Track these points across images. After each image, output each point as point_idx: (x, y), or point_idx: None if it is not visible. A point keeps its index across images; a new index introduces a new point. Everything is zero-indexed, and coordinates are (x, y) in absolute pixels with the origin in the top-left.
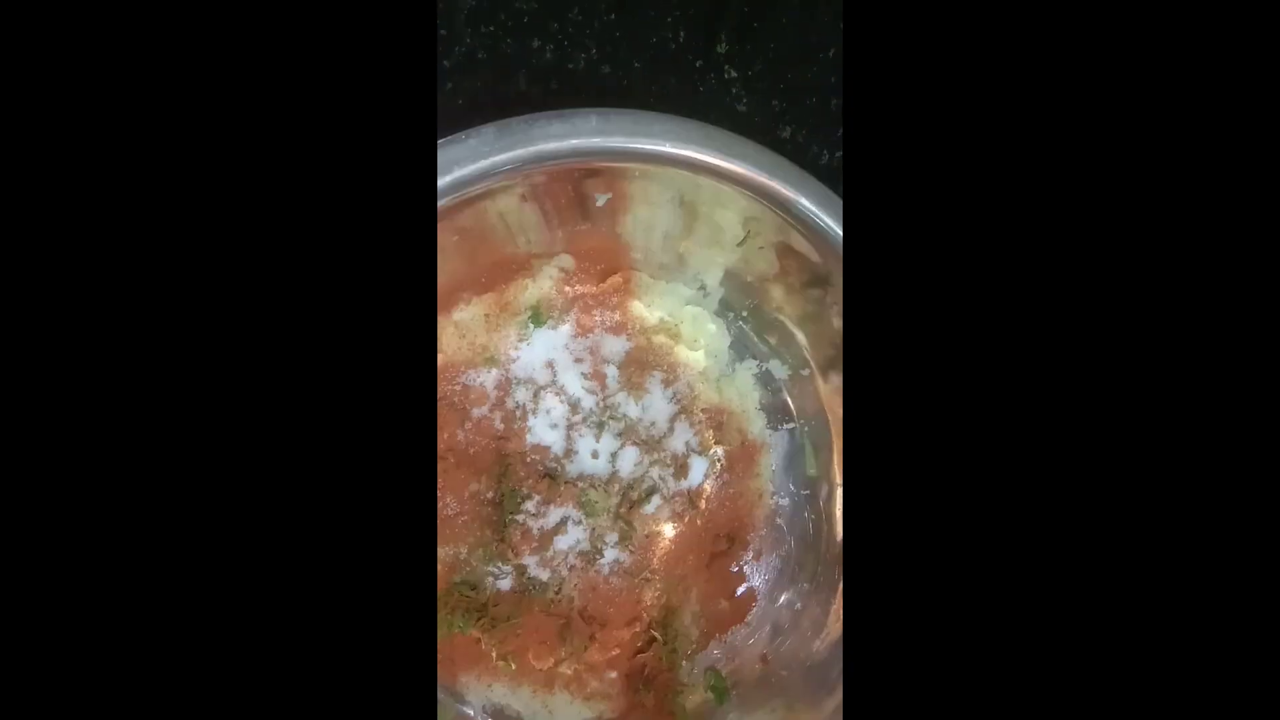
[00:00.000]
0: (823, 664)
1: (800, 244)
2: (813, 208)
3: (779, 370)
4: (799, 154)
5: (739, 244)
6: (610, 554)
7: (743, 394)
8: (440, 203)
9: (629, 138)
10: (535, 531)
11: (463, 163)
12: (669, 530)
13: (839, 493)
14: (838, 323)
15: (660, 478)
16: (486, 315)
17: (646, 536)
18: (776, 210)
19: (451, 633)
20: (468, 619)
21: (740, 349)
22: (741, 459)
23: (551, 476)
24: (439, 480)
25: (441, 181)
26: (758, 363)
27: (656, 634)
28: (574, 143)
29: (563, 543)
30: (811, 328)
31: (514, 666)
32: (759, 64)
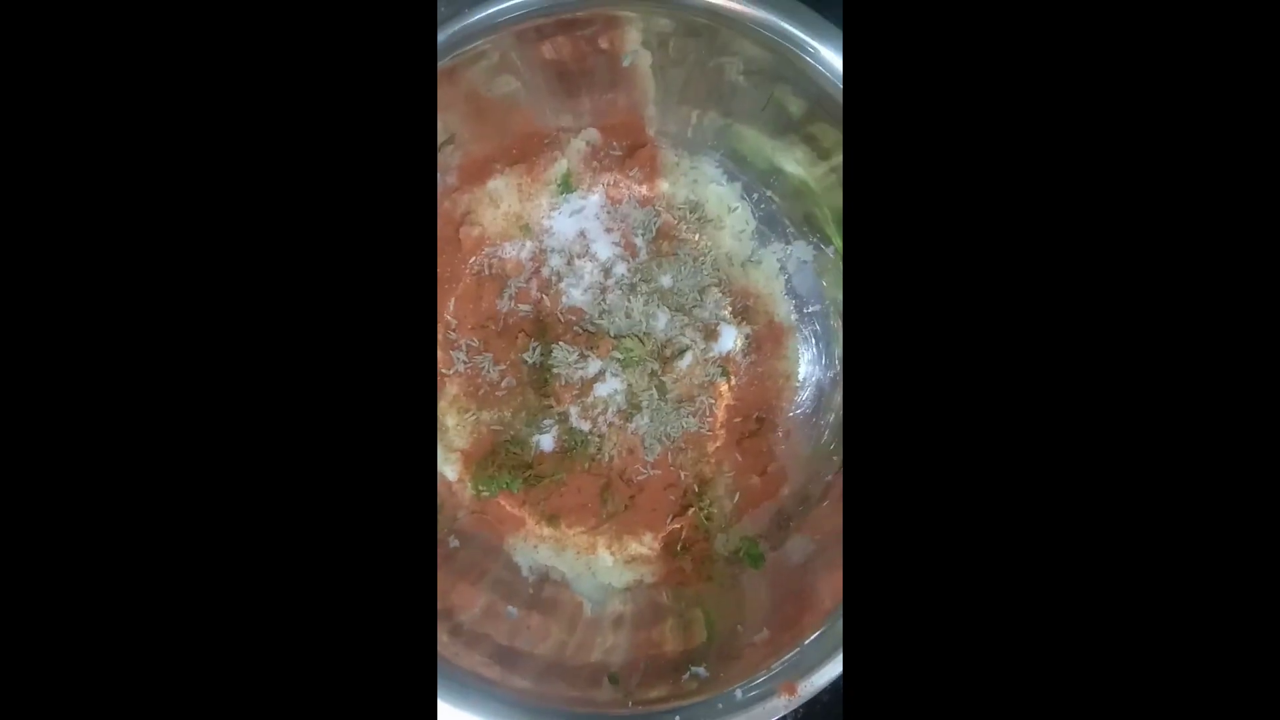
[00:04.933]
0: None
1: (824, 101)
2: (837, 57)
3: (803, 252)
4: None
5: (762, 109)
6: (647, 415)
7: (769, 277)
8: (472, 47)
9: None
10: (576, 381)
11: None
12: (701, 400)
13: None
14: None
15: (692, 339)
16: (519, 185)
17: (678, 403)
18: (800, 63)
19: (498, 491)
20: (513, 477)
21: (766, 233)
22: (769, 340)
23: (589, 332)
24: (485, 346)
25: (475, 18)
26: (784, 245)
27: (693, 502)
28: None
29: (602, 390)
30: (837, 198)
31: (559, 528)
32: None
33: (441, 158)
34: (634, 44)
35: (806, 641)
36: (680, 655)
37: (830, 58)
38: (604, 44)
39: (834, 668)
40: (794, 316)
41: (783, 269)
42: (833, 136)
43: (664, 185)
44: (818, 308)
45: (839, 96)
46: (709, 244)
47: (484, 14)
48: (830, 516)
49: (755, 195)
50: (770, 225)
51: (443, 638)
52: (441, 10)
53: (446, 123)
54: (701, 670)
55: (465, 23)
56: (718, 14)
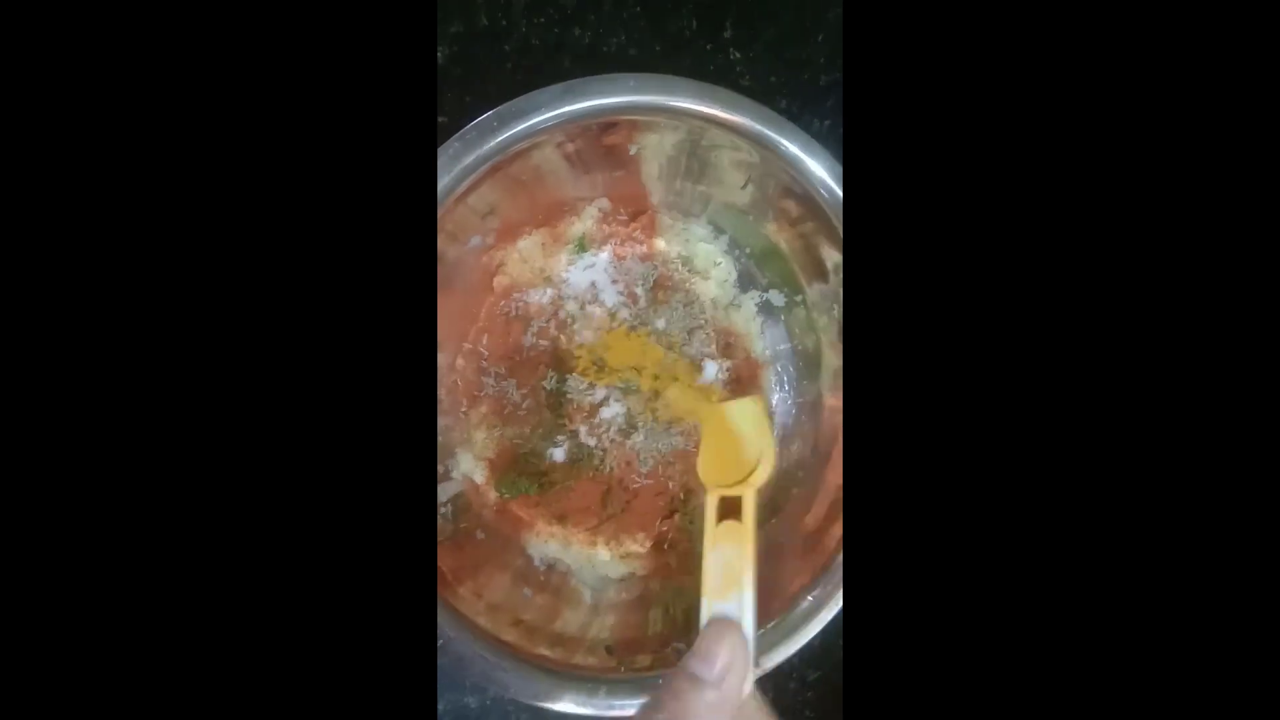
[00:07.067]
0: (812, 534)
1: (792, 185)
2: (800, 153)
3: (777, 299)
4: (793, 121)
5: (742, 188)
6: (642, 434)
7: (747, 319)
8: (517, 146)
9: (658, 95)
10: (585, 405)
11: (536, 112)
12: (688, 423)
13: (828, 400)
14: (824, 254)
15: (680, 372)
16: (543, 244)
17: (668, 425)
18: (773, 156)
19: (518, 493)
20: (530, 482)
21: (745, 281)
22: (746, 372)
23: (597, 366)
24: (510, 374)
25: (520, 127)
26: (759, 293)
27: (679, 509)
28: (617, 100)
29: (606, 413)
30: (803, 259)
31: (566, 526)
32: (759, 46)
33: (484, 224)
34: (643, 139)
35: (768, 626)
36: (665, 634)
37: (797, 153)
38: (618, 139)
39: (786, 648)
40: (768, 353)
41: (759, 313)
42: (797, 210)
43: (661, 244)
44: (787, 346)
45: (803, 181)
46: (697, 292)
47: (526, 124)
48: (790, 525)
49: (736, 252)
50: (748, 277)
51: (479, 608)
52: (494, 123)
53: (489, 199)
54: (682, 646)
55: (511, 131)
56: (712, 120)
